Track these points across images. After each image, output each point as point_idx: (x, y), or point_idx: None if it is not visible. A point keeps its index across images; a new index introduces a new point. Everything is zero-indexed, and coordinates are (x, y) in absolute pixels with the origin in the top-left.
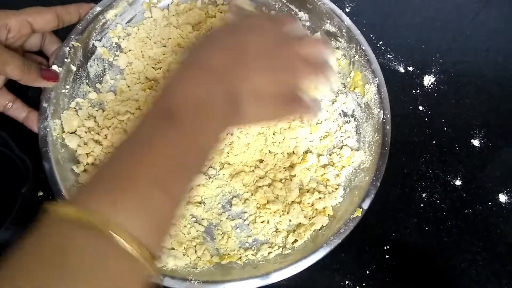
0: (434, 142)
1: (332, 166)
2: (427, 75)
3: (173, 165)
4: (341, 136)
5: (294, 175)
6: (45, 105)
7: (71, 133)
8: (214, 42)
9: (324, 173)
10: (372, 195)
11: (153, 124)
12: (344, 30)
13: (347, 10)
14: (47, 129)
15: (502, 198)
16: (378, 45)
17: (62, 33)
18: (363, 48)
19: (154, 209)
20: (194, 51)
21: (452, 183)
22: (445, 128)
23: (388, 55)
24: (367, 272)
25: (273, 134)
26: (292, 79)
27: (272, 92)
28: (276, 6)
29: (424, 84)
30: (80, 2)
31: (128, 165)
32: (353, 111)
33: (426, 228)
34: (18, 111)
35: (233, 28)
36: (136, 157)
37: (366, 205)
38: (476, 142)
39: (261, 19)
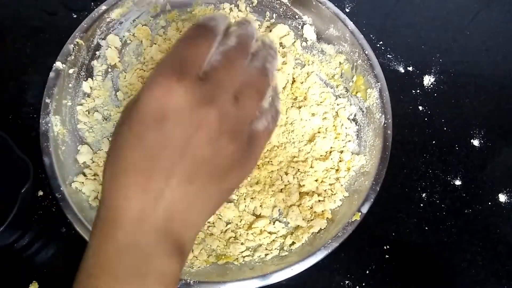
0: (434, 142)
1: (333, 169)
2: (427, 75)
3: None
4: (342, 140)
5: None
6: (47, 100)
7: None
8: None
9: (325, 177)
10: (372, 200)
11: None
12: (347, 35)
13: (347, 10)
14: (49, 125)
15: (502, 198)
16: (378, 45)
17: (65, 31)
18: (366, 52)
19: None
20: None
21: (452, 183)
22: (445, 128)
23: (388, 55)
24: (367, 272)
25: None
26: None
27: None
28: (280, 10)
29: (424, 84)
30: None
31: None
32: (355, 116)
33: (426, 228)
34: None
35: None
36: None
37: (365, 209)
38: (476, 142)
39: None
